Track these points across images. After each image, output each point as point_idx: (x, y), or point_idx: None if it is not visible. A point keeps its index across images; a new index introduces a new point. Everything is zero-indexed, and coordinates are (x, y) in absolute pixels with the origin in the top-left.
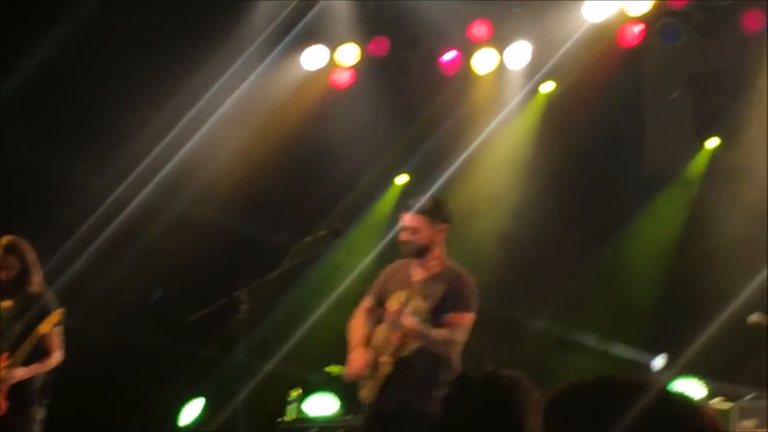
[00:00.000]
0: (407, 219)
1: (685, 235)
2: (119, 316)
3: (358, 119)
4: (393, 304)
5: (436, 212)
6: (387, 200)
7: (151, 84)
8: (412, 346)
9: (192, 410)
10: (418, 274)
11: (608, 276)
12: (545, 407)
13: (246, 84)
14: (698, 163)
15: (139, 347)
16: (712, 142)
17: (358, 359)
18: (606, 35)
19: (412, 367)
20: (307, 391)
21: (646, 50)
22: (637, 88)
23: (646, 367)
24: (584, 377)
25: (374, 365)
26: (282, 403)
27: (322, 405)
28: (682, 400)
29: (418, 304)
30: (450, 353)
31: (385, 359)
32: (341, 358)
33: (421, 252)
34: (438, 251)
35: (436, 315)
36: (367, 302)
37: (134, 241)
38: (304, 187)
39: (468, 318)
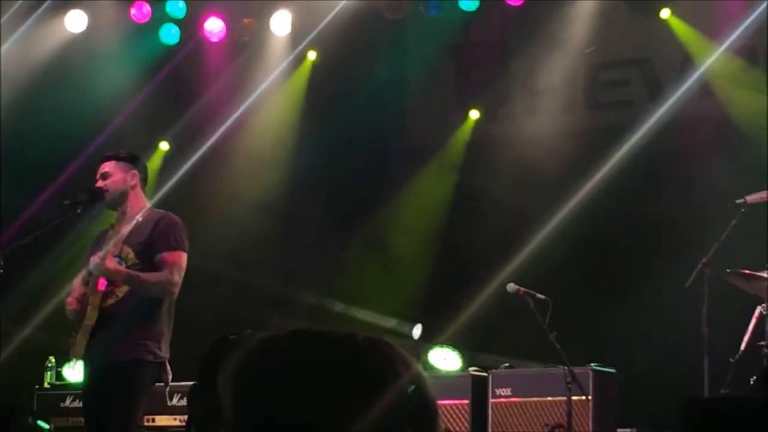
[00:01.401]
0: (101, 167)
1: (451, 207)
2: None
3: (122, 84)
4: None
5: (126, 157)
6: (151, 165)
7: None
8: (120, 293)
9: None
10: (122, 227)
11: (376, 248)
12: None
13: (4, 48)
14: (462, 134)
15: None
16: (475, 114)
17: (68, 302)
18: (370, 5)
19: (117, 316)
20: (64, 358)
21: (411, 20)
22: (401, 59)
23: (406, 336)
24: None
25: (82, 316)
26: (39, 370)
27: (77, 373)
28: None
29: (126, 251)
30: (167, 294)
31: (91, 309)
32: None
33: (117, 200)
34: (137, 200)
35: (146, 258)
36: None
37: None
38: (65, 154)
39: (182, 256)
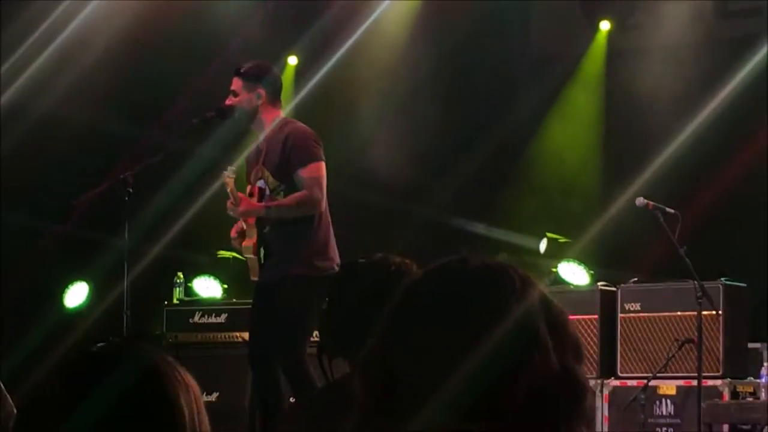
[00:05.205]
0: (232, 82)
1: (598, 123)
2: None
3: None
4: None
5: (251, 74)
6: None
7: None
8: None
9: (77, 294)
10: (263, 143)
11: (508, 163)
12: None
13: None
14: (598, 45)
15: (24, 229)
16: (605, 25)
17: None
18: None
19: (277, 239)
20: (192, 274)
21: None
22: None
23: (533, 251)
24: None
25: (246, 249)
26: (169, 287)
27: (207, 288)
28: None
29: (266, 174)
30: (313, 211)
31: (250, 241)
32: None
33: (246, 119)
34: (268, 114)
35: (286, 178)
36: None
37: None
38: (189, 74)
39: (318, 167)
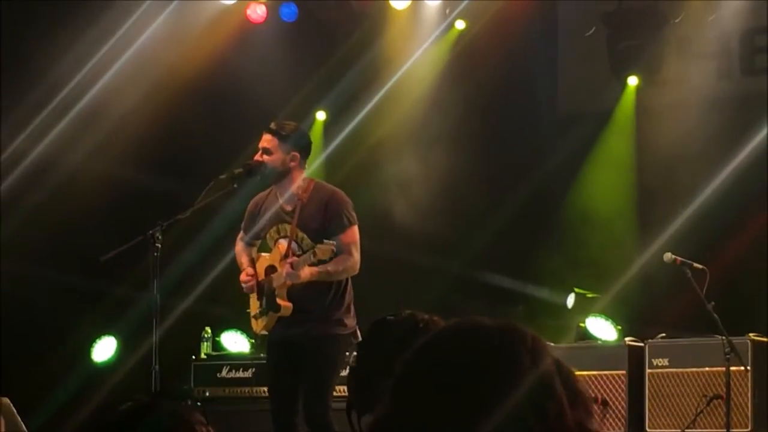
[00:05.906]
0: (263, 139)
1: (627, 178)
2: (30, 256)
3: (273, 55)
4: (273, 238)
5: (287, 136)
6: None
7: (53, 29)
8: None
9: (105, 348)
10: (289, 204)
11: (536, 218)
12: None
13: (155, 24)
14: (626, 101)
15: (54, 285)
16: (633, 80)
17: (245, 278)
18: None
19: (306, 298)
20: (220, 329)
21: None
22: (551, 26)
23: (561, 306)
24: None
25: (270, 304)
26: (196, 341)
27: (235, 343)
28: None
29: (300, 235)
30: (353, 273)
31: (283, 301)
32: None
33: (274, 178)
34: (297, 176)
35: (322, 241)
36: (240, 237)
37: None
38: (217, 129)
39: (355, 231)
